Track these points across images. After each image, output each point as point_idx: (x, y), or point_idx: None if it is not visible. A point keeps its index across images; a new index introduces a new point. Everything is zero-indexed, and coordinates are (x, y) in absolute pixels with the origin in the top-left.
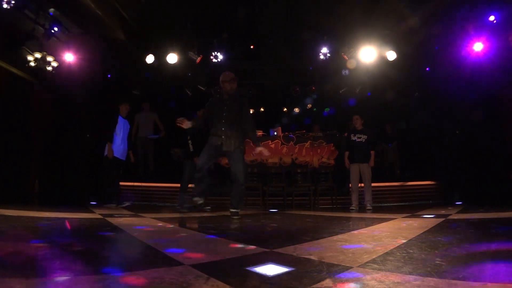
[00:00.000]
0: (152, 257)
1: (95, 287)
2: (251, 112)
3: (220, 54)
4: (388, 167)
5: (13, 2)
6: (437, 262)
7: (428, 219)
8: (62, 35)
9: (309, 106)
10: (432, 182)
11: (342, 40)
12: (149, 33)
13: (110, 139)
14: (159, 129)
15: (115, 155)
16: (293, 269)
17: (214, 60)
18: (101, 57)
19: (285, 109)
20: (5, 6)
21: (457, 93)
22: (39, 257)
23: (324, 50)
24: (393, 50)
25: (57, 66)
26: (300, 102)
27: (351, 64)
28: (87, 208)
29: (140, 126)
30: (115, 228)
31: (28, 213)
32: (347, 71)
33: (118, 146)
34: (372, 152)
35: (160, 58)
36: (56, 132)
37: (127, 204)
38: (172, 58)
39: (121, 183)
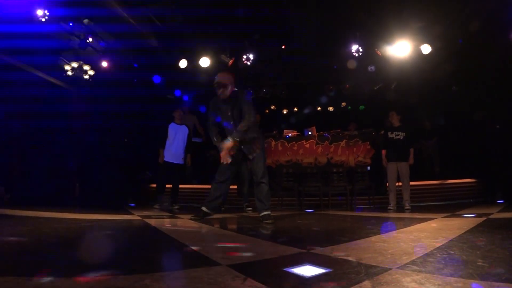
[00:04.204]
0: (190, 257)
1: (136, 286)
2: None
3: (252, 55)
4: (427, 164)
5: (47, 15)
6: (479, 263)
7: (469, 219)
8: (97, 44)
9: (344, 104)
10: (473, 180)
11: (375, 36)
12: (181, 38)
13: (161, 145)
14: (199, 132)
15: (166, 159)
16: (330, 270)
17: (245, 62)
18: (135, 64)
19: (319, 108)
20: (40, 19)
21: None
22: (80, 256)
23: (356, 47)
24: (428, 43)
25: (93, 74)
26: (334, 101)
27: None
28: (126, 210)
29: None
30: (153, 229)
31: (70, 215)
32: (373, 67)
33: (170, 151)
34: (411, 150)
35: (193, 62)
36: (94, 137)
37: (163, 206)
38: (204, 62)
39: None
